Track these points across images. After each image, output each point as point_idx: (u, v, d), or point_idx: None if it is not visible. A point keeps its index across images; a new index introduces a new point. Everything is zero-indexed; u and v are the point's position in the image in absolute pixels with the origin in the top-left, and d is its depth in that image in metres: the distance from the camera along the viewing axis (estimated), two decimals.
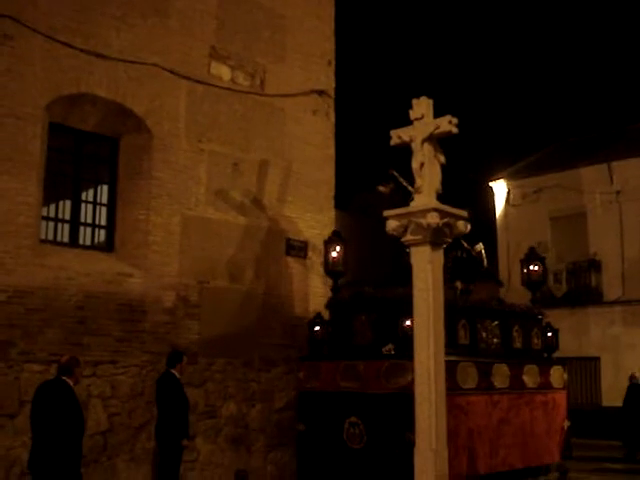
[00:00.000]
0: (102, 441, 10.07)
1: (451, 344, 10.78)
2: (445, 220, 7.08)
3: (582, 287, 20.71)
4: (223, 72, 12.19)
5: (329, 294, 12.22)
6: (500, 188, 22.90)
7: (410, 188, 12.10)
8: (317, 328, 11.95)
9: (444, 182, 7.39)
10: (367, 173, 12.47)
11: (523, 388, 12.20)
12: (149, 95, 11.18)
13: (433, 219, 6.94)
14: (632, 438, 15.09)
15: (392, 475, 9.94)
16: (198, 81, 11.76)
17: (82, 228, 11.02)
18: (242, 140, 12.27)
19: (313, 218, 12.98)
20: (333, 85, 13.86)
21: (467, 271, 12.98)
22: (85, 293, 10.16)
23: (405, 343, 10.41)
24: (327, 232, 12.96)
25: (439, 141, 7.34)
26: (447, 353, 10.85)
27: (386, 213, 7.51)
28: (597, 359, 20.12)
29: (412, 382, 10.07)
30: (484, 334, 11.99)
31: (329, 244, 12.36)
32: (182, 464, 10.32)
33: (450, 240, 7.40)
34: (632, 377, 16.20)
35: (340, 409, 11.00)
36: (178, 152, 11.43)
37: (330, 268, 12.31)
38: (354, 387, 10.93)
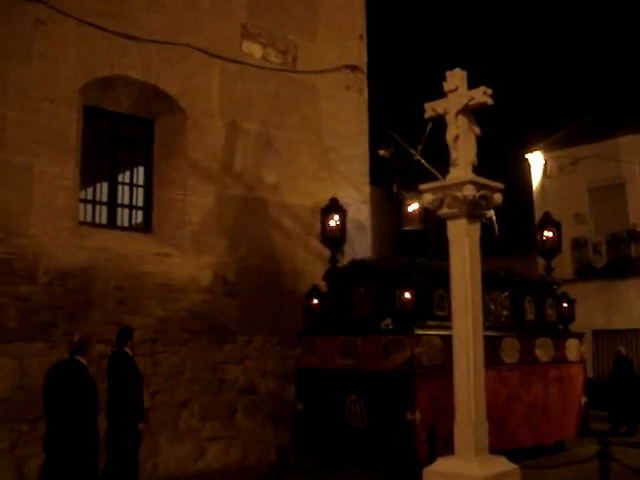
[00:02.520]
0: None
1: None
2: (481, 192, 6.98)
3: (622, 258, 20.41)
4: (255, 50, 12.18)
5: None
6: (536, 160, 22.59)
7: (412, 150, 11.45)
8: (314, 301, 11.27)
9: (479, 154, 7.31)
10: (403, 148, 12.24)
11: (535, 362, 11.52)
12: (182, 75, 11.22)
13: (469, 192, 6.85)
14: (617, 412, 14.63)
15: (394, 456, 9.56)
16: (230, 60, 11.78)
17: (119, 209, 11.17)
18: (275, 118, 12.26)
19: (348, 194, 12.92)
20: (365, 60, 13.78)
21: None
22: (124, 273, 10.30)
23: (403, 317, 10.03)
24: (363, 208, 12.93)
25: (474, 113, 7.25)
26: (448, 327, 10.49)
27: (422, 187, 7.44)
28: (638, 331, 19.86)
29: (410, 359, 9.65)
30: (492, 306, 11.28)
31: (326, 213, 11.69)
32: (219, 440, 10.48)
33: (486, 212, 7.33)
34: (618, 352, 15.79)
35: (340, 387, 10.41)
36: (212, 132, 11.48)
37: (328, 237, 11.63)
38: (352, 364, 10.33)
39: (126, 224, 11.21)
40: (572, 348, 12.36)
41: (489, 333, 10.58)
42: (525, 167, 22.85)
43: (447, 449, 9.16)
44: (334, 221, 11.57)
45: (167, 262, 10.75)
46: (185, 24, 11.29)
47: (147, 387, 10.26)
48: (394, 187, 11.75)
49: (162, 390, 10.45)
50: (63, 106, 9.99)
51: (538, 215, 22.20)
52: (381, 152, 12.09)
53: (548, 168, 22.23)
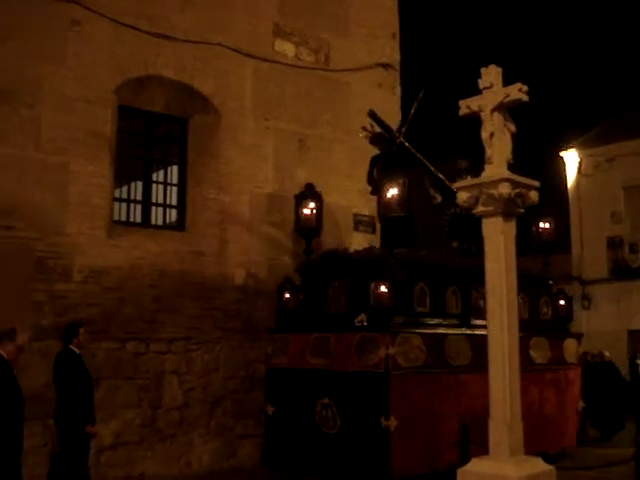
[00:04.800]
0: (178, 416, 10.30)
1: (438, 313, 9.68)
2: (517, 190, 6.93)
3: None
4: (287, 49, 12.19)
5: None
6: (571, 158, 22.37)
7: (396, 134, 10.83)
8: (287, 295, 10.31)
9: (514, 152, 7.25)
10: (437, 146, 12.04)
11: (529, 364, 10.23)
12: (215, 75, 11.27)
13: (505, 189, 6.80)
14: (599, 419, 13.71)
15: (368, 466, 8.73)
16: (263, 59, 11.80)
17: (154, 208, 11.23)
18: (308, 116, 12.26)
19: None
20: (398, 58, 13.72)
21: (466, 229, 10.94)
22: (158, 272, 10.36)
23: (379, 313, 9.08)
24: None
25: (509, 110, 7.19)
26: (433, 325, 9.47)
27: (456, 185, 7.42)
28: None
29: (384, 359, 8.62)
30: (481, 302, 9.98)
31: (300, 200, 10.74)
32: (251, 438, 10.48)
33: (523, 211, 7.25)
34: (592, 355, 14.96)
35: (311, 389, 9.47)
36: (245, 130, 11.51)
37: (302, 226, 10.76)
38: (324, 364, 9.38)
39: (160, 223, 11.28)
40: (569, 349, 11.37)
41: (476, 332, 9.58)
42: (560, 165, 22.64)
43: (428, 459, 8.67)
44: (309, 209, 10.63)
45: (200, 260, 10.80)
46: (218, 23, 11.33)
47: (180, 385, 10.39)
48: (375, 172, 10.90)
49: (195, 387, 10.50)
50: (98, 106, 10.08)
51: (574, 214, 22.07)
52: (361, 135, 11.30)
53: (583, 166, 22.00)
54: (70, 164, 9.76)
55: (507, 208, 6.99)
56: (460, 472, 6.83)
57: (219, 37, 11.28)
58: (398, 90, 13.60)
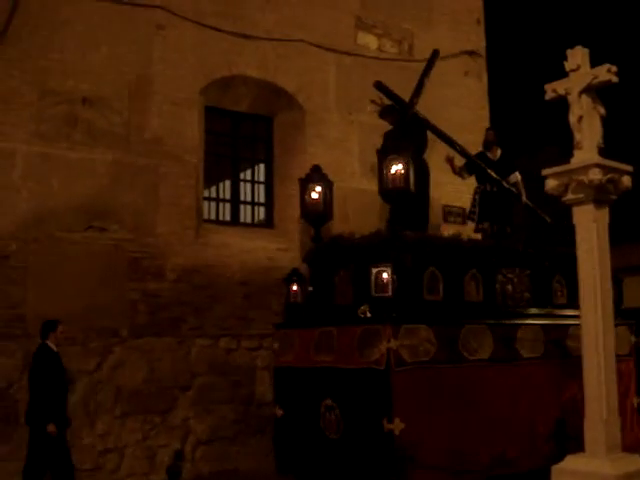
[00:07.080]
0: (269, 412, 10.37)
1: (453, 302, 8.47)
2: (608, 176, 6.64)
3: None
4: (370, 41, 12.12)
5: None
6: None
7: (407, 104, 10.02)
8: (294, 288, 9.46)
9: (605, 136, 6.96)
10: (526, 135, 11.68)
11: (567, 357, 8.80)
12: (298, 71, 11.31)
13: (595, 175, 6.52)
14: None
15: (373, 475, 7.69)
16: (345, 53, 11.77)
17: (242, 207, 11.37)
18: None
19: (468, 183, 12.58)
20: (484, 44, 13.42)
21: (499, 208, 10.27)
22: (248, 269, 10.49)
23: (381, 302, 8.02)
24: None
25: (598, 92, 6.91)
26: (446, 314, 8.31)
27: (544, 172, 7.13)
28: None
29: (385, 355, 7.61)
30: (509, 287, 9.10)
31: (306, 183, 9.82)
32: None
33: (615, 197, 6.94)
34: None
35: (315, 389, 8.48)
36: (329, 126, 11.51)
37: (308, 211, 9.77)
38: (328, 361, 8.35)
39: (249, 221, 11.42)
40: (618, 338, 9.33)
41: (501, 321, 8.64)
42: None
43: (449, 463, 7.68)
44: (316, 193, 9.68)
45: (288, 257, 10.82)
46: (299, 20, 11.36)
47: (271, 380, 10.45)
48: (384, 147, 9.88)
49: None
50: (185, 108, 10.27)
51: None
52: (370, 109, 10.51)
53: None
54: (159, 166, 9.99)
55: (598, 195, 6.71)
56: (555, 469, 6.62)
57: (301, 33, 11.31)
58: (485, 77, 13.30)
